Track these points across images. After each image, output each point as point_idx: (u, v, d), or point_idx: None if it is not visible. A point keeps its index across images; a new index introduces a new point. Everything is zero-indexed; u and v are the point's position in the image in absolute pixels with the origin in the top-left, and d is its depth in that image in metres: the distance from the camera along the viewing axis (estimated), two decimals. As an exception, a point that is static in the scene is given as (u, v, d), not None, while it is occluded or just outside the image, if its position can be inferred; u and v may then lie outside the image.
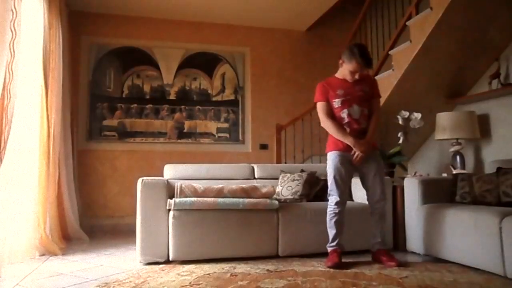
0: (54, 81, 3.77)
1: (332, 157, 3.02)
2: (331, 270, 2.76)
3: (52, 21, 3.75)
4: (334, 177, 2.97)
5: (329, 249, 2.97)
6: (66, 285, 2.46)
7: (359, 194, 3.60)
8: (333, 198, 2.98)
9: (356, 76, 2.96)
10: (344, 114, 3.00)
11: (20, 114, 2.95)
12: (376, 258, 3.01)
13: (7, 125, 2.76)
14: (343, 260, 2.90)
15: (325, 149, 3.11)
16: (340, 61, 3.03)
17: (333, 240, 2.97)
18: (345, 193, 3.02)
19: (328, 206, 3.00)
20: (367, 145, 2.96)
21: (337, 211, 2.95)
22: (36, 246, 3.26)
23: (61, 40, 4.01)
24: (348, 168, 2.99)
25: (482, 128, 4.00)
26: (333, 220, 2.96)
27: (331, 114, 3.04)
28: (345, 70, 3.01)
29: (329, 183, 3.02)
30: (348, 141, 2.95)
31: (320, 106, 3.08)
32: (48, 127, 3.60)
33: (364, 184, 3.09)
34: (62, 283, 2.51)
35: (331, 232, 2.98)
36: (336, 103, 3.02)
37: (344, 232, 2.99)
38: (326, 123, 3.05)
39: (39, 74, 3.45)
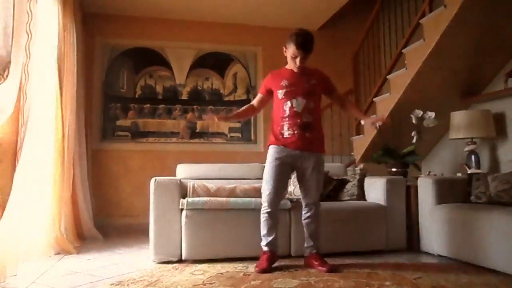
0: (69, 82, 3.82)
1: (270, 153, 2.87)
2: (344, 270, 2.74)
3: (66, 23, 3.80)
4: (269, 174, 2.82)
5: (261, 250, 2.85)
6: (81, 283, 2.48)
7: (372, 193, 3.58)
8: (264, 195, 2.84)
9: (297, 62, 2.80)
10: (286, 106, 2.84)
11: (36, 115, 2.99)
12: (307, 263, 2.86)
13: (23, 126, 2.80)
14: (352, 261, 2.85)
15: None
16: (284, 49, 2.89)
17: (263, 241, 2.84)
18: (279, 191, 2.85)
19: (262, 203, 2.87)
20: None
21: (268, 209, 2.81)
22: (51, 244, 3.30)
23: (75, 41, 4.06)
24: (285, 166, 2.83)
25: (498, 127, 3.94)
26: (263, 219, 2.84)
27: (256, 104, 3.04)
28: (288, 58, 2.88)
29: (264, 179, 2.87)
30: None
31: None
32: (63, 127, 3.65)
33: (300, 183, 2.93)
34: (77, 281, 2.54)
35: (261, 232, 2.85)
36: (280, 94, 2.87)
37: (276, 233, 2.84)
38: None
39: (53, 75, 3.50)
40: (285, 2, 5.04)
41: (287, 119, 2.83)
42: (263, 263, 2.74)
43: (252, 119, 5.61)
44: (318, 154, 2.88)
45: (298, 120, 2.81)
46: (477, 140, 4.00)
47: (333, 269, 2.70)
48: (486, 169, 4.03)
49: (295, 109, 2.82)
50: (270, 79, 2.98)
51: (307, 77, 2.88)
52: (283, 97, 2.85)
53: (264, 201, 2.85)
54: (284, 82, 2.87)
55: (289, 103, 2.83)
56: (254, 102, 3.06)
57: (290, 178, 2.99)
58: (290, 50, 2.83)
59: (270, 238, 2.82)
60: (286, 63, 2.96)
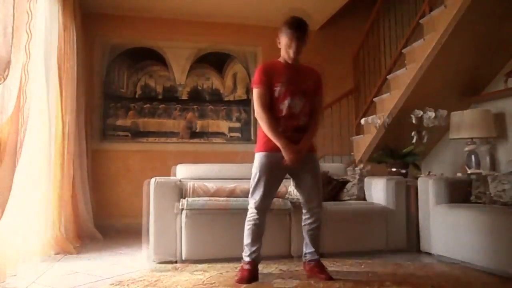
0: (69, 82, 3.82)
1: (259, 157, 2.59)
2: (344, 269, 2.74)
3: (66, 23, 3.79)
4: (259, 179, 2.54)
5: (242, 261, 2.59)
6: (81, 284, 2.49)
7: (372, 193, 3.58)
8: (252, 201, 2.57)
9: (291, 53, 2.55)
10: (283, 106, 2.54)
11: (36, 115, 2.99)
12: (307, 270, 2.65)
13: (23, 126, 2.80)
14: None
15: (255, 149, 2.69)
16: (278, 40, 2.63)
17: (246, 251, 2.57)
18: (269, 198, 2.59)
19: (248, 210, 2.61)
20: (298, 154, 2.49)
21: (256, 217, 2.55)
22: (52, 245, 3.31)
23: (75, 41, 4.06)
24: (277, 170, 2.56)
25: (498, 127, 3.94)
26: (249, 226, 2.57)
27: (269, 106, 2.55)
28: (282, 50, 2.61)
29: (251, 185, 2.59)
30: (279, 143, 2.49)
31: (257, 94, 2.56)
32: (63, 127, 3.65)
33: (298, 188, 2.68)
34: (77, 281, 2.54)
35: (245, 241, 2.58)
36: (277, 91, 2.54)
37: (261, 244, 2.58)
38: (260, 115, 2.56)
39: (54, 75, 3.50)
40: (285, 2, 5.03)
41: (282, 120, 2.56)
42: (244, 273, 2.50)
43: (252, 119, 5.60)
44: (312, 154, 2.67)
45: (295, 123, 2.57)
46: (477, 140, 4.00)
47: (332, 278, 2.52)
48: (486, 169, 4.03)
49: (292, 110, 2.55)
50: (267, 71, 2.60)
51: (304, 75, 2.64)
52: (281, 95, 2.55)
53: (252, 207, 2.59)
54: (283, 78, 2.57)
55: (286, 102, 2.54)
56: (265, 104, 2.56)
57: (282, 181, 2.72)
58: (283, 40, 2.58)
59: (254, 248, 2.56)
60: None
